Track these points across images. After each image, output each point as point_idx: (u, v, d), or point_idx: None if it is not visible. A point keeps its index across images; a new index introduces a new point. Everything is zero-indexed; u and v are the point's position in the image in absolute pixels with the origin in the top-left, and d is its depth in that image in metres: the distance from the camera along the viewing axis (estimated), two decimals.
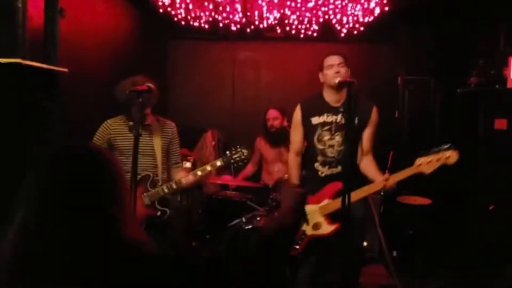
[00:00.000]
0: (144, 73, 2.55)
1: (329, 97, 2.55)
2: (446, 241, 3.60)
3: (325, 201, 2.49)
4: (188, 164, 3.93)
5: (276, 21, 3.96)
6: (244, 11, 3.81)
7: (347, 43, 4.38)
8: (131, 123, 1.96)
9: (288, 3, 3.63)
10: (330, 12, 3.72)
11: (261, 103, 4.38)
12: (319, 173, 2.57)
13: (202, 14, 3.84)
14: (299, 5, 3.66)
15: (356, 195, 2.31)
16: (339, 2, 3.64)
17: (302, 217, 2.49)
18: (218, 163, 2.55)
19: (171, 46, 4.85)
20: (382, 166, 3.14)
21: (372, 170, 2.48)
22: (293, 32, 4.17)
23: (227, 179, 3.66)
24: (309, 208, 2.53)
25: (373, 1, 3.56)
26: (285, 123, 3.70)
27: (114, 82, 2.55)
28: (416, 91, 4.16)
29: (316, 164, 2.57)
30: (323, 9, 3.70)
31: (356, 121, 2.49)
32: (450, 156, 2.21)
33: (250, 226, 3.10)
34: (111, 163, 1.06)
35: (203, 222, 3.71)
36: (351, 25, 3.90)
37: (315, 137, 2.56)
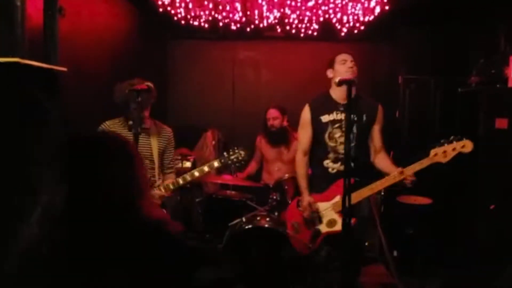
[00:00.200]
0: (144, 73, 2.55)
1: (337, 94, 2.59)
2: (446, 240, 3.59)
3: (337, 198, 2.52)
4: (188, 164, 3.93)
5: (276, 20, 3.95)
6: (244, 10, 3.80)
7: (348, 43, 4.37)
8: (130, 122, 1.96)
9: (288, 2, 3.62)
10: (330, 11, 3.71)
11: (261, 103, 4.37)
12: (330, 170, 2.59)
13: (202, 13, 3.84)
14: (299, 4, 3.65)
15: (371, 189, 2.40)
16: (339, 1, 3.63)
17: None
18: (216, 164, 2.56)
19: (170, 46, 4.84)
20: None
21: (387, 164, 2.55)
22: (293, 31, 4.16)
23: (227, 178, 3.66)
24: (322, 205, 2.56)
25: (374, 0, 3.56)
26: (285, 123, 3.69)
27: (114, 81, 2.55)
28: (416, 90, 4.15)
29: (327, 162, 2.59)
30: (323, 8, 3.69)
31: (364, 118, 2.57)
32: (465, 145, 2.30)
33: (250, 226, 3.09)
34: (125, 146, 1.12)
35: (203, 222, 3.71)
36: (351, 24, 3.89)
37: (326, 135, 2.59)
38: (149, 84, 2.16)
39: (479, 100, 3.48)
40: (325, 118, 2.59)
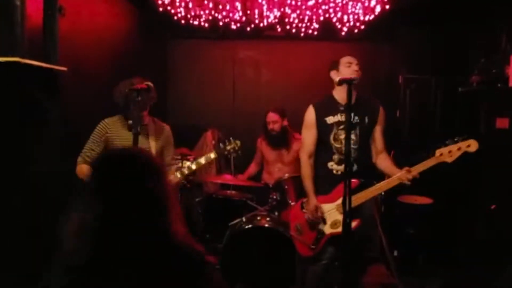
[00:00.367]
0: (144, 72, 2.54)
1: (341, 96, 2.58)
2: (447, 240, 3.59)
3: (341, 199, 2.50)
4: (188, 164, 3.92)
5: (276, 20, 3.94)
6: (244, 10, 3.79)
7: (348, 42, 4.36)
8: (130, 121, 1.96)
9: (288, 1, 3.62)
10: (331, 10, 3.70)
11: (261, 102, 4.37)
12: (334, 171, 2.58)
13: (202, 12, 3.83)
14: (299, 3, 3.64)
15: (377, 189, 2.41)
16: (340, 0, 3.62)
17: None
18: (212, 155, 2.56)
19: (170, 45, 4.84)
20: None
21: (389, 165, 2.54)
22: (294, 30, 4.16)
23: (227, 178, 3.65)
24: (326, 207, 2.55)
25: (374, 0, 3.55)
26: (285, 123, 3.68)
27: (114, 81, 2.54)
28: (417, 90, 4.15)
29: (331, 163, 2.59)
30: (323, 7, 3.68)
31: (366, 120, 2.57)
32: (471, 144, 2.31)
33: (250, 226, 3.09)
34: (154, 160, 1.18)
35: (203, 222, 3.70)
36: (351, 23, 3.88)
37: (331, 136, 2.58)
38: (149, 83, 2.15)
39: (480, 100, 3.48)
40: (330, 120, 2.59)
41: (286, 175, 3.34)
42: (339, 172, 2.56)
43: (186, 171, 2.50)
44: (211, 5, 3.68)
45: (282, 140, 3.65)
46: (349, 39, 4.27)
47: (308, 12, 3.80)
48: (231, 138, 2.67)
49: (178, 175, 2.51)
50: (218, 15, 3.85)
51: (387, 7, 3.56)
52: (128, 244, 1.06)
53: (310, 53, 4.62)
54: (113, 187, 1.10)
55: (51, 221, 2.44)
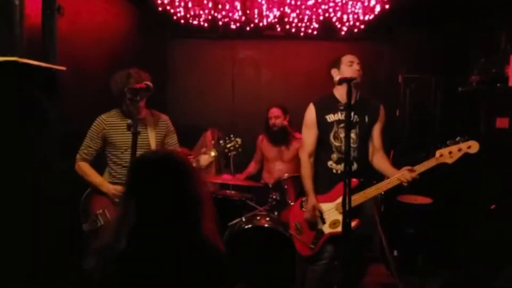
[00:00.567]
0: (143, 72, 2.53)
1: (342, 94, 2.56)
2: (447, 240, 3.58)
3: (341, 198, 2.49)
4: None
5: (276, 19, 3.93)
6: (243, 9, 3.78)
7: (348, 42, 4.36)
8: (129, 121, 1.95)
9: (288, 1, 3.61)
10: (330, 10, 3.69)
11: (261, 102, 4.36)
12: (333, 170, 2.57)
13: (201, 12, 3.82)
14: (299, 3, 3.63)
15: (376, 189, 2.39)
16: (339, 0, 3.61)
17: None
18: (212, 153, 2.55)
19: (170, 45, 4.83)
20: None
21: (385, 165, 2.52)
22: (293, 30, 4.15)
23: (227, 178, 3.65)
24: (325, 206, 2.54)
25: None
26: (285, 122, 3.69)
27: None
28: (417, 89, 4.14)
29: (330, 162, 2.57)
30: (323, 7, 3.67)
31: (366, 120, 2.56)
32: (472, 145, 2.28)
33: (250, 226, 3.09)
34: (189, 163, 1.24)
35: None
36: (351, 23, 3.88)
37: (331, 135, 2.57)
38: (148, 83, 2.14)
39: (480, 99, 3.48)
40: (330, 118, 2.57)
41: (286, 174, 3.34)
42: (339, 171, 2.55)
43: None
44: (210, 4, 3.67)
45: (283, 137, 3.67)
46: (349, 39, 4.27)
47: (307, 12, 3.79)
48: (231, 135, 2.65)
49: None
50: (217, 14, 3.84)
51: (387, 6, 3.56)
52: (161, 242, 1.11)
53: (309, 52, 4.61)
54: (148, 188, 1.15)
55: (51, 221, 2.45)
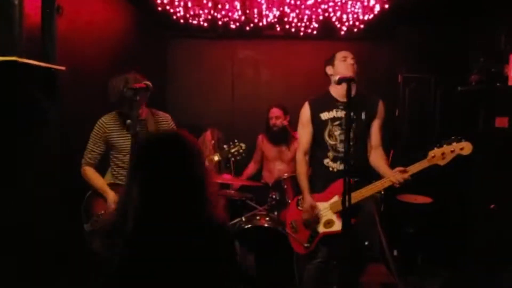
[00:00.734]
0: (143, 72, 2.53)
1: (337, 91, 2.55)
2: (447, 240, 3.58)
3: (335, 198, 2.49)
4: None
5: (275, 19, 3.93)
6: (243, 9, 3.78)
7: (347, 41, 4.35)
8: (128, 121, 1.94)
9: (288, 0, 3.61)
10: (330, 9, 3.69)
11: (260, 102, 4.36)
12: (330, 169, 2.55)
13: (201, 12, 3.81)
14: (298, 2, 3.63)
15: (367, 190, 2.35)
16: None
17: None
18: (216, 157, 2.55)
19: (169, 45, 4.83)
20: None
21: (381, 165, 2.48)
22: (293, 30, 4.15)
23: (227, 178, 3.64)
24: (320, 205, 2.54)
25: None
26: (286, 123, 3.69)
27: None
28: (416, 89, 4.14)
29: (327, 160, 2.56)
30: (322, 6, 3.67)
31: (363, 116, 2.52)
32: (464, 147, 2.24)
33: (250, 225, 3.08)
34: (196, 147, 1.25)
35: None
36: (351, 23, 3.88)
37: (326, 133, 2.55)
38: (148, 83, 2.13)
39: (479, 99, 3.48)
40: (324, 116, 2.56)
41: (286, 174, 3.34)
42: (335, 169, 2.54)
43: None
44: (210, 4, 3.67)
45: (283, 137, 3.67)
46: (349, 38, 4.27)
47: (307, 12, 3.79)
48: (235, 140, 2.64)
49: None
50: (217, 14, 3.84)
51: (386, 6, 3.56)
52: (165, 221, 1.13)
53: (309, 52, 4.61)
54: (153, 167, 1.16)
55: (51, 221, 2.45)
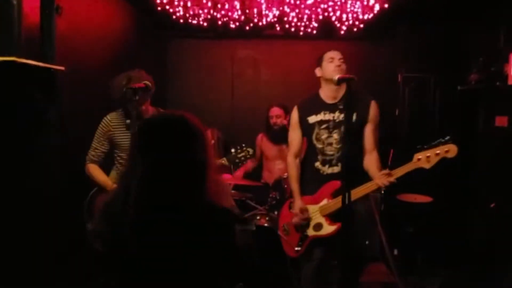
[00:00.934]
0: (143, 72, 2.52)
1: (326, 93, 2.52)
2: (447, 239, 3.58)
3: (324, 201, 2.47)
4: None
5: (275, 19, 3.93)
6: (242, 9, 3.78)
7: (347, 41, 4.35)
8: (128, 121, 1.94)
9: (287, 0, 3.61)
10: (330, 9, 3.69)
11: (260, 101, 4.36)
12: (320, 172, 2.52)
13: (200, 11, 3.81)
14: (298, 2, 3.63)
15: (354, 193, 2.27)
16: None
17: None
18: (223, 162, 2.53)
19: (169, 44, 4.82)
20: (383, 164, 3.12)
21: (372, 168, 2.41)
22: (292, 29, 4.14)
23: (227, 177, 3.64)
24: (310, 208, 2.51)
25: None
26: (285, 122, 3.69)
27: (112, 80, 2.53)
28: (416, 88, 4.14)
29: (317, 164, 2.53)
30: (322, 6, 3.67)
31: (354, 117, 2.43)
32: (450, 149, 2.15)
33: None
34: (201, 128, 1.26)
35: None
36: (350, 22, 3.87)
37: (313, 136, 2.52)
38: (147, 82, 2.13)
39: (479, 98, 3.47)
40: (312, 119, 2.51)
41: (286, 174, 3.33)
42: (325, 173, 2.50)
43: None
44: (209, 4, 3.66)
45: (283, 135, 3.66)
46: (348, 38, 4.26)
47: (307, 11, 3.79)
48: (243, 145, 2.63)
49: None
50: (216, 14, 3.84)
51: (386, 5, 3.55)
52: (166, 201, 1.13)
53: (309, 52, 4.59)
54: (157, 147, 1.16)
55: (51, 221, 2.45)
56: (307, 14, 3.84)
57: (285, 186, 3.28)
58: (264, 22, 3.96)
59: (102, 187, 2.50)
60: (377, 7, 3.57)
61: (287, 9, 3.75)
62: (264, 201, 3.40)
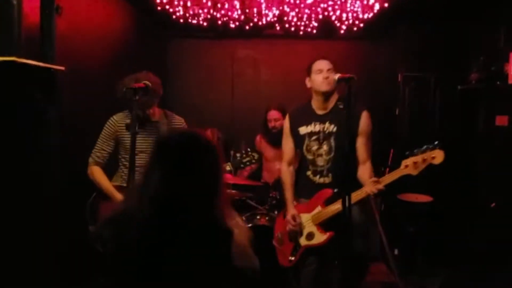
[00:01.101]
0: (143, 71, 2.52)
1: (316, 104, 2.51)
2: (447, 238, 3.58)
3: (317, 209, 2.46)
4: None
5: (275, 18, 3.93)
6: (242, 8, 3.78)
7: (347, 40, 4.36)
8: (128, 120, 1.94)
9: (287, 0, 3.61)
10: (330, 8, 3.69)
11: (260, 101, 4.35)
12: (312, 181, 2.52)
13: (200, 11, 3.81)
14: (298, 1, 3.63)
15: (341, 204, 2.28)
16: None
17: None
18: (227, 167, 2.52)
19: (169, 44, 4.82)
20: (383, 164, 3.13)
21: (364, 178, 2.36)
22: (292, 29, 4.14)
23: (227, 177, 3.64)
24: (302, 217, 2.50)
25: None
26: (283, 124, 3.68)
27: (112, 80, 2.52)
28: (416, 88, 4.14)
29: (308, 173, 2.53)
30: (322, 5, 3.67)
31: (343, 131, 2.37)
32: (436, 156, 2.13)
33: (250, 225, 3.08)
34: (215, 146, 1.30)
35: None
36: (350, 22, 3.87)
37: (304, 147, 2.52)
38: (147, 82, 2.12)
39: (479, 97, 3.47)
40: (302, 130, 2.51)
41: None
42: (317, 182, 2.49)
43: None
44: (209, 3, 3.66)
45: (282, 138, 3.65)
46: (348, 38, 4.27)
47: (307, 11, 3.79)
48: (248, 149, 2.62)
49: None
50: (216, 13, 3.84)
51: (386, 5, 3.55)
52: (177, 217, 1.17)
53: (309, 51, 4.59)
54: (172, 166, 1.21)
55: (51, 221, 2.45)
56: (307, 13, 3.84)
57: None
58: (264, 22, 3.96)
59: (105, 193, 2.46)
60: (377, 7, 3.56)
61: (287, 9, 3.75)
62: (264, 201, 3.40)
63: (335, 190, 2.39)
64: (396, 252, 3.65)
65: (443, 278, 3.25)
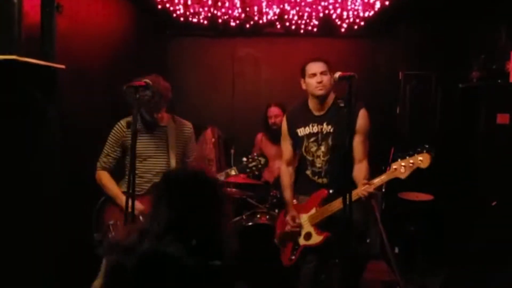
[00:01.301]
0: (143, 70, 2.51)
1: (313, 105, 2.50)
2: (448, 237, 3.58)
3: (313, 210, 2.47)
4: None
5: (275, 17, 3.92)
6: (243, 7, 3.77)
7: (348, 38, 4.34)
8: (129, 118, 1.93)
9: None
10: (330, 6, 3.68)
11: (261, 99, 4.35)
12: (312, 179, 2.53)
13: (201, 10, 3.81)
14: (298, 0, 3.62)
15: (337, 203, 2.32)
16: None
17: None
18: (233, 172, 2.51)
19: (169, 43, 4.81)
20: (384, 162, 3.12)
21: (358, 178, 2.34)
22: (293, 27, 4.14)
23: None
24: (301, 217, 2.51)
25: None
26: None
27: (113, 79, 2.53)
28: (417, 86, 4.13)
29: (308, 172, 2.54)
30: (323, 3, 3.66)
31: (340, 130, 2.37)
32: (423, 159, 2.12)
33: (250, 224, 3.09)
34: (219, 183, 1.40)
35: None
36: (351, 20, 3.86)
37: (303, 149, 2.53)
38: (147, 81, 2.11)
39: (480, 96, 3.47)
40: (301, 132, 2.51)
41: None
42: (315, 182, 2.50)
43: None
44: (210, 2, 3.66)
45: None
46: (349, 36, 4.25)
47: (307, 9, 3.78)
48: (255, 154, 2.61)
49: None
50: (217, 12, 3.83)
51: (387, 3, 3.54)
52: (180, 254, 1.21)
53: (309, 49, 4.59)
54: (178, 204, 1.28)
55: (51, 221, 2.45)
56: (307, 11, 3.83)
57: None
58: (265, 20, 3.95)
59: (113, 198, 2.42)
60: (378, 5, 3.55)
61: (287, 7, 3.74)
62: (264, 200, 3.40)
63: (331, 191, 2.41)
64: (396, 250, 3.65)
65: (443, 277, 3.25)
